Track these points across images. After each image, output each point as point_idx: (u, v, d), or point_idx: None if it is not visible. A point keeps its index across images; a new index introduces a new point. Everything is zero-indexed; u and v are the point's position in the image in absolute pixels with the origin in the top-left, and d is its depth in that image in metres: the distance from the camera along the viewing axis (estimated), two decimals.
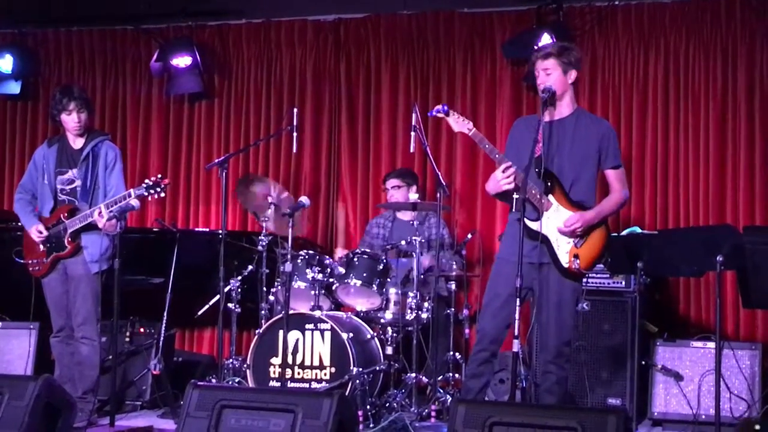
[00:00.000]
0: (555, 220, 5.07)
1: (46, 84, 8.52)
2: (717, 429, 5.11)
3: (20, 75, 8.26)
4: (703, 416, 5.97)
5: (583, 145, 5.12)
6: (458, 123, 5.21)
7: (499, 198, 5.38)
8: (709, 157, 7.06)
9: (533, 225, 5.07)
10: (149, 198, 5.90)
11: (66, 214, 5.96)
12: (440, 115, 5.23)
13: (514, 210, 5.20)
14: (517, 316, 4.77)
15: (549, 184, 5.10)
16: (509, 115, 7.28)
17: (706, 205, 7.03)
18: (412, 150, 6.04)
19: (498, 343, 5.21)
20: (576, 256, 5.04)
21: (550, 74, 5.17)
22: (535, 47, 6.30)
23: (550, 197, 5.10)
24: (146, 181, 5.88)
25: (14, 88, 8.29)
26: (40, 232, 5.97)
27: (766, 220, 6.87)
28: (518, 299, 4.77)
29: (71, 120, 6.04)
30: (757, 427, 3.89)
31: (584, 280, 5.22)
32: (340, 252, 7.11)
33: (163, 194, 5.91)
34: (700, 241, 5.21)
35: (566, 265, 5.05)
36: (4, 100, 8.55)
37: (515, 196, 5.13)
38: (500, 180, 5.07)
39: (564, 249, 5.05)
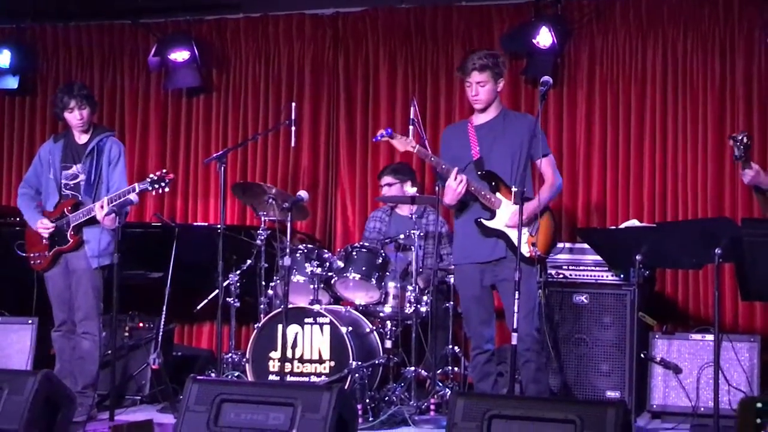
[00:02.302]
0: (507, 215, 5.28)
1: (44, 79, 8.53)
2: (716, 421, 5.11)
3: (18, 70, 8.25)
4: (702, 409, 5.98)
5: (512, 141, 5.34)
6: (402, 143, 5.49)
7: (452, 207, 5.59)
8: (707, 150, 7.06)
9: (490, 224, 5.34)
10: (153, 193, 5.93)
11: (69, 208, 5.97)
12: (384, 138, 5.52)
13: (463, 212, 5.48)
14: (516, 309, 4.82)
15: (493, 183, 5.35)
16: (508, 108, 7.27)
17: (705, 198, 7.04)
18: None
19: (492, 340, 5.44)
20: (534, 244, 5.24)
21: (484, 86, 5.41)
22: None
23: (498, 195, 5.34)
24: (150, 175, 5.92)
25: (12, 83, 8.28)
26: (46, 227, 5.96)
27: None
28: (517, 292, 4.83)
29: (74, 117, 6.07)
30: (759, 405, 3.88)
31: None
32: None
33: (167, 189, 5.95)
34: (699, 233, 5.22)
35: (528, 254, 5.23)
36: (2, 95, 8.54)
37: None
38: (455, 188, 5.28)
39: (522, 240, 5.11)
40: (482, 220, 5.36)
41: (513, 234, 5.16)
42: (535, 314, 5.33)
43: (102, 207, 5.82)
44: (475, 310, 5.42)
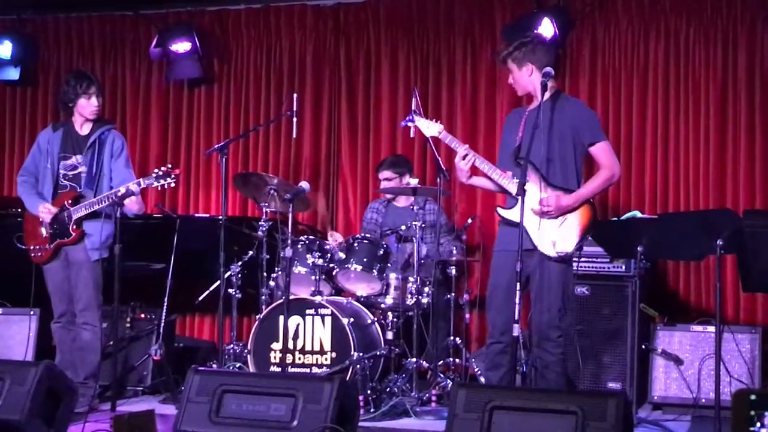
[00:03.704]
0: (530, 206, 5.12)
1: (46, 70, 8.53)
2: (717, 413, 5.11)
3: (19, 61, 8.25)
4: (703, 400, 5.98)
5: (557, 127, 5.15)
6: (429, 127, 5.46)
7: (477, 187, 5.62)
8: (709, 141, 7.06)
9: (507, 213, 5.23)
10: (159, 188, 5.91)
11: (70, 201, 5.96)
12: (410, 124, 5.52)
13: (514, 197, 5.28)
14: (517, 300, 4.81)
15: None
16: (509, 99, 7.25)
17: (707, 189, 7.03)
18: (412, 135, 6.02)
19: (509, 333, 5.26)
20: (556, 241, 5.08)
21: (512, 74, 5.39)
22: (536, 31, 6.65)
23: (527, 184, 5.11)
24: (156, 171, 5.88)
25: (13, 74, 8.28)
26: (49, 210, 5.95)
27: (766, 204, 6.87)
28: (518, 283, 4.81)
29: (90, 104, 6.04)
30: (753, 397, 3.89)
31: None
32: (332, 236, 7.09)
33: (173, 184, 5.91)
34: (700, 224, 5.21)
35: (545, 251, 5.09)
36: (3, 86, 8.55)
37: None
38: (461, 166, 5.25)
39: (542, 234, 5.06)
40: (499, 208, 5.30)
41: (530, 226, 5.07)
42: (552, 313, 5.15)
43: (129, 189, 5.79)
44: (496, 298, 5.29)
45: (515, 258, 5.00)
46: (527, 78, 5.32)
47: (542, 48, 5.41)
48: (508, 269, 5.15)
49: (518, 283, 4.82)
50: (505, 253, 5.21)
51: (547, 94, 5.22)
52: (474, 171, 5.34)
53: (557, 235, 5.11)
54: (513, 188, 5.17)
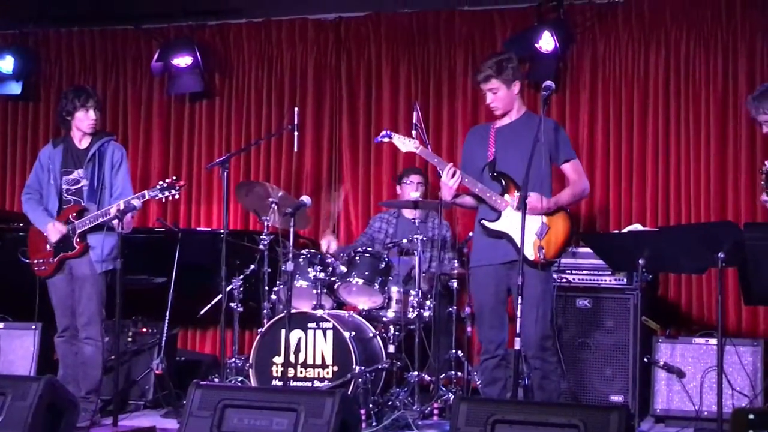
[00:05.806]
0: (513, 218, 5.16)
1: (47, 84, 8.54)
2: (719, 425, 5.10)
3: (21, 75, 8.26)
4: (706, 413, 5.97)
5: (530, 143, 5.12)
6: (404, 144, 5.46)
7: (459, 206, 5.63)
8: (710, 153, 7.07)
9: (493, 225, 5.27)
10: (164, 200, 5.92)
11: (75, 215, 5.96)
12: (386, 140, 5.50)
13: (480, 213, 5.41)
14: (519, 314, 4.82)
15: (504, 184, 5.29)
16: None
17: (708, 202, 7.04)
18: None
19: (503, 345, 5.37)
20: (540, 248, 5.13)
21: (496, 93, 5.39)
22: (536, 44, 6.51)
23: (506, 197, 5.27)
24: (160, 182, 5.91)
25: (15, 88, 8.29)
26: (59, 230, 5.93)
27: (767, 216, 6.86)
28: (520, 297, 4.82)
29: (87, 117, 6.04)
30: (751, 416, 3.89)
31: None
32: (326, 239, 7.08)
33: (177, 196, 5.94)
34: (702, 237, 5.21)
35: (532, 258, 5.13)
36: (5, 100, 8.56)
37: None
38: (448, 184, 5.25)
39: (528, 242, 5.07)
40: (485, 221, 5.32)
41: (517, 236, 5.10)
42: (546, 321, 5.23)
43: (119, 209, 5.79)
44: (486, 314, 5.34)
45: (496, 272, 5.24)
46: (514, 95, 5.40)
47: (519, 64, 5.54)
48: (491, 285, 5.30)
49: (520, 297, 4.83)
50: (484, 269, 5.33)
51: (517, 115, 5.39)
52: (459, 189, 5.37)
53: (543, 243, 5.17)
54: (500, 204, 5.24)
